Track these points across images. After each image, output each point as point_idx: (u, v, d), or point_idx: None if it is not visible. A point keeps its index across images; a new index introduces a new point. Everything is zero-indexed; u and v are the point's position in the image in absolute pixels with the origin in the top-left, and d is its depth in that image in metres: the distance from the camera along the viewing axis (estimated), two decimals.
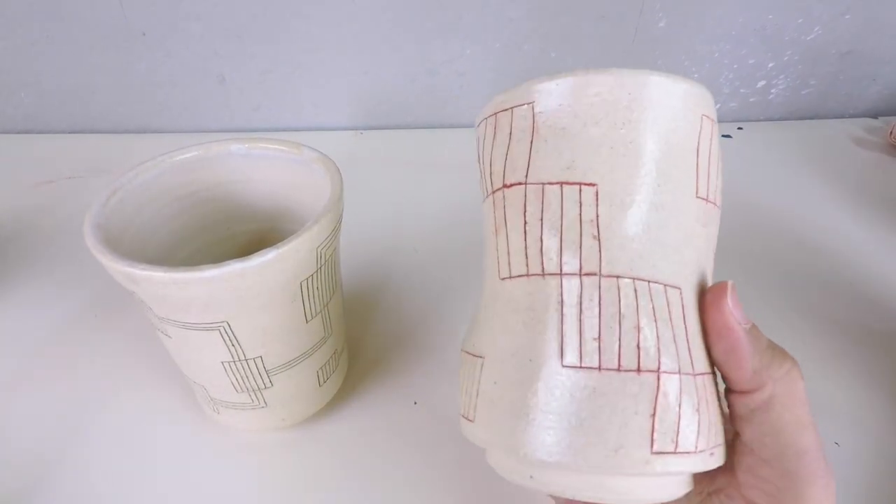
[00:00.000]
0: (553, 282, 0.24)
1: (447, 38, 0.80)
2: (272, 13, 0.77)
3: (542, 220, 0.24)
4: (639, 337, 0.23)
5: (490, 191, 0.28)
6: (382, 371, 0.47)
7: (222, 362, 0.34)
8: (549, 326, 0.23)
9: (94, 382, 0.46)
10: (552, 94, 0.25)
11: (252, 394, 0.37)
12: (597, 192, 0.23)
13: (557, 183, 0.24)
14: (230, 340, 0.33)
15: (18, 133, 0.87)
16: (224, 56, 0.81)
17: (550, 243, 0.24)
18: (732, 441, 0.27)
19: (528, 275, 0.25)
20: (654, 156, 0.24)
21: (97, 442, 0.42)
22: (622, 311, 0.23)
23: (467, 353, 0.28)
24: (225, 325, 0.32)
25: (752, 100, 0.88)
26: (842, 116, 0.92)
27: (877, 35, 0.84)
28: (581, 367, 0.22)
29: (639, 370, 0.22)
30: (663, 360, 0.23)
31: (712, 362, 0.25)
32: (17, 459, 0.41)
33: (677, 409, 0.22)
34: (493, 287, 0.27)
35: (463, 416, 0.27)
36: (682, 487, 0.25)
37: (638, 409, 0.22)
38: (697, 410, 0.23)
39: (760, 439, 0.25)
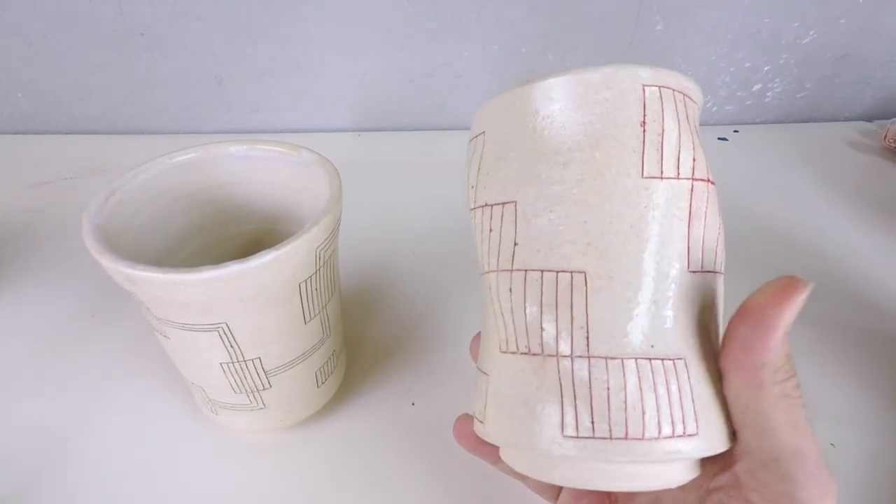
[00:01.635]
0: (550, 362, 0.24)
1: (445, 41, 0.80)
2: (271, 14, 0.77)
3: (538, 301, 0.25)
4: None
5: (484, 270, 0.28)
6: (380, 372, 0.47)
7: (221, 363, 0.34)
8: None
9: (91, 383, 0.46)
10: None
11: (250, 395, 0.37)
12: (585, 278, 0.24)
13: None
14: (229, 341, 0.33)
15: (15, 133, 0.87)
16: (222, 57, 0.81)
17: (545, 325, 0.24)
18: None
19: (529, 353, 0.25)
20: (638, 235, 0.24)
21: (94, 443, 0.42)
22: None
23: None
24: (224, 326, 0.32)
25: (748, 103, 0.89)
26: (837, 120, 0.93)
27: (871, 39, 0.84)
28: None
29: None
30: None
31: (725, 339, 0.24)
32: (14, 460, 0.41)
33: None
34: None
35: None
36: (688, 472, 0.25)
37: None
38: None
39: (759, 441, 0.24)
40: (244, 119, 0.86)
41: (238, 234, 0.43)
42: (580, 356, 0.23)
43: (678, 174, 0.23)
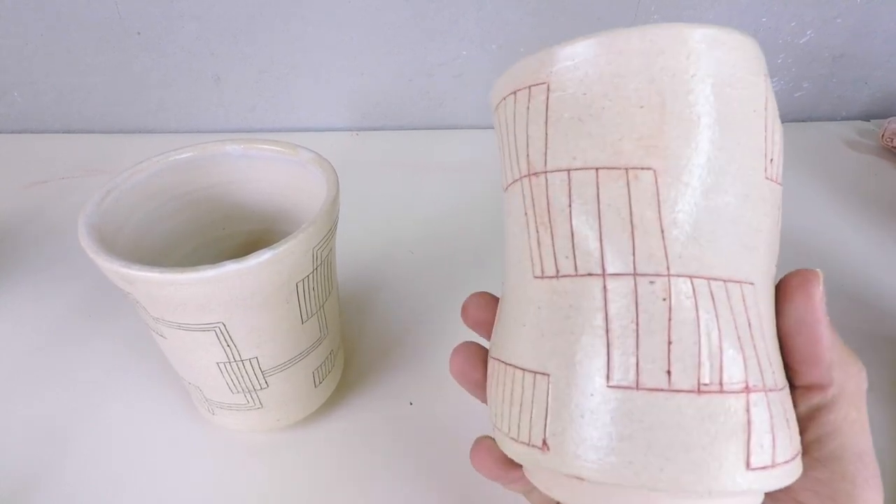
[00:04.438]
0: (596, 285, 0.22)
1: (444, 40, 0.80)
2: (268, 13, 0.77)
3: (598, 210, 0.22)
4: (721, 354, 0.21)
5: (516, 177, 0.25)
6: (378, 372, 0.47)
7: (218, 363, 0.34)
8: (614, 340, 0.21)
9: (88, 383, 0.46)
10: (577, 63, 0.22)
11: (248, 395, 0.37)
12: (655, 176, 0.21)
13: (607, 168, 0.22)
14: (226, 341, 0.33)
15: (12, 133, 0.87)
16: (220, 56, 0.80)
17: (591, 235, 0.22)
18: None
19: (576, 274, 0.22)
20: (720, 128, 0.21)
21: (92, 443, 0.42)
22: (700, 319, 0.21)
23: (513, 366, 0.25)
24: (220, 325, 0.32)
25: None
26: (834, 119, 0.93)
27: (868, 39, 0.84)
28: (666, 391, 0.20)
29: (722, 390, 0.20)
30: (750, 377, 0.21)
31: (784, 358, 0.23)
32: (13, 460, 0.41)
33: (767, 425, 0.21)
34: (527, 287, 0.24)
35: (518, 440, 0.23)
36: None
37: (726, 429, 0.20)
38: (786, 421, 0.21)
39: (820, 439, 0.24)
40: (241, 118, 0.86)
41: (235, 234, 0.43)
42: (651, 274, 0.21)
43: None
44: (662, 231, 0.21)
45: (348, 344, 0.50)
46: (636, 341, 0.21)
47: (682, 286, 0.21)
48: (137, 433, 0.42)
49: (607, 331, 0.21)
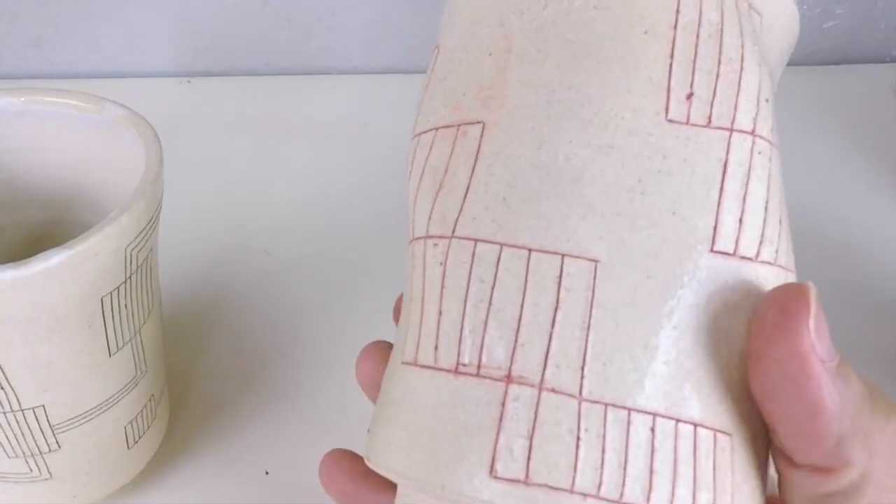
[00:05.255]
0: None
1: None
2: None
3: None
4: (485, 331, 0.24)
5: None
6: (219, 426, 0.48)
7: None
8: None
9: None
10: None
11: (30, 459, 0.37)
12: (482, 130, 0.25)
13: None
14: None
15: None
16: None
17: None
18: None
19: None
20: (572, 64, 0.24)
21: None
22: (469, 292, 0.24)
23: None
24: None
25: None
26: (881, 60, 0.93)
27: None
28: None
29: (479, 373, 0.24)
30: (516, 366, 0.23)
31: (759, 414, 0.24)
32: None
33: (527, 428, 0.23)
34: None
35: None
36: None
37: (472, 422, 0.23)
38: (595, 443, 0.22)
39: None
40: (20, 57, 0.84)
41: (11, 226, 0.43)
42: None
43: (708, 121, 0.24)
44: (467, 188, 0.24)
45: (176, 386, 0.50)
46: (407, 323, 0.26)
47: (461, 249, 0.24)
48: None
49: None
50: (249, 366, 0.52)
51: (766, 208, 0.24)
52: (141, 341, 0.38)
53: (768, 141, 0.24)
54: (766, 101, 0.25)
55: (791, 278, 0.25)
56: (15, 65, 0.85)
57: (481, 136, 0.24)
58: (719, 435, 0.23)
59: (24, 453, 0.36)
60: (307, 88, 0.85)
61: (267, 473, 0.45)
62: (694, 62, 0.24)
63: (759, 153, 0.24)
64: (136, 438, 0.41)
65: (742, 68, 0.24)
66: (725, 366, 0.23)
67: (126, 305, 0.35)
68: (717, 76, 0.24)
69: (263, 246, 0.62)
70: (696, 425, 0.22)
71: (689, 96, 0.24)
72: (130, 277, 0.35)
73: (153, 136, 0.37)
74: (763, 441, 0.24)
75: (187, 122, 0.77)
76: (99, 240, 0.31)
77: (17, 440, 0.36)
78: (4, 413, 0.34)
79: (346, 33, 0.86)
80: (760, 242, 0.24)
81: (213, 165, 0.71)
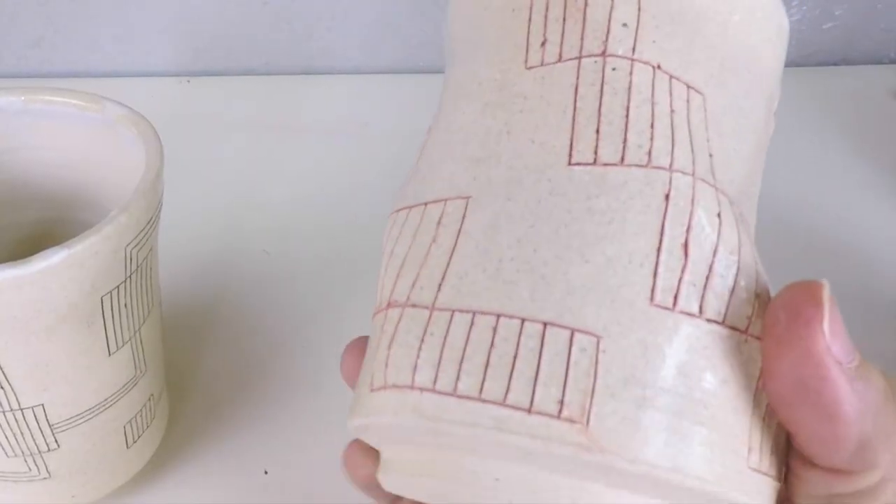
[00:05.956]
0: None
1: None
2: None
3: None
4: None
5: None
6: (218, 426, 0.48)
7: None
8: None
9: None
10: None
11: (29, 459, 0.37)
12: None
13: None
14: None
15: None
16: None
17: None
18: None
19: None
20: None
21: None
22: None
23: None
24: None
25: None
26: (880, 61, 0.92)
27: None
28: None
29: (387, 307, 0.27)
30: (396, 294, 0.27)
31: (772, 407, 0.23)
32: None
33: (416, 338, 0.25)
34: None
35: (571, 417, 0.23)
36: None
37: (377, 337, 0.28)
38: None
39: None
40: (19, 57, 0.85)
41: (12, 226, 0.43)
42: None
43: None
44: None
45: (175, 386, 0.50)
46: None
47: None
48: None
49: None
50: (249, 366, 0.52)
51: (626, 116, 0.25)
52: (140, 341, 0.38)
53: (627, 59, 0.25)
54: (624, 25, 0.26)
55: (683, 179, 0.24)
56: (15, 64, 0.85)
57: None
58: (578, 334, 0.23)
59: (23, 452, 0.36)
60: (307, 88, 0.85)
61: (266, 473, 0.45)
62: (546, 13, 0.27)
63: (614, 69, 0.25)
64: (136, 438, 0.41)
65: (586, 4, 0.26)
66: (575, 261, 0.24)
67: (126, 305, 0.35)
68: (564, 20, 0.26)
69: (263, 246, 0.62)
70: (523, 321, 0.23)
71: (543, 43, 0.27)
72: (130, 277, 0.35)
73: (153, 135, 0.37)
74: None
75: (187, 121, 0.77)
76: (99, 239, 0.31)
77: (16, 439, 0.36)
78: (4, 412, 0.34)
79: (345, 33, 0.86)
80: (624, 148, 0.24)
81: (213, 165, 0.71)
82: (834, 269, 0.62)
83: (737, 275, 0.23)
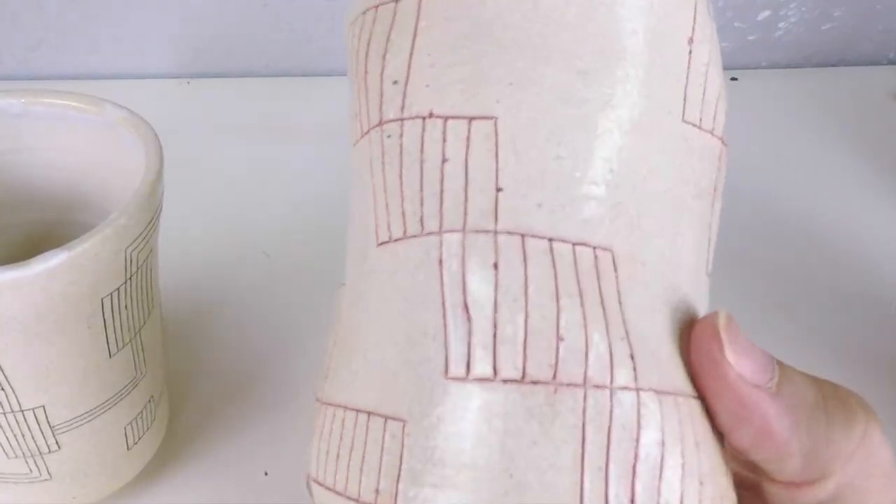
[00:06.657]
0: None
1: None
2: None
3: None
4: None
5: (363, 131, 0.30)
6: (218, 427, 0.48)
7: None
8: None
9: None
10: None
11: (30, 460, 0.37)
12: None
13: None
14: None
15: None
16: None
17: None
18: None
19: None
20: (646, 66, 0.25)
21: None
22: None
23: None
24: None
25: (751, 38, 0.88)
26: (878, 62, 0.93)
27: None
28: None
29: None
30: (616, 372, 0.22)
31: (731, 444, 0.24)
32: None
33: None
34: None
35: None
36: None
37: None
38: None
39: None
40: (19, 60, 0.85)
41: (12, 227, 0.43)
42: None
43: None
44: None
45: (175, 388, 0.50)
46: None
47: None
48: None
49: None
50: (249, 367, 0.52)
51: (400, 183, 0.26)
52: (141, 342, 0.38)
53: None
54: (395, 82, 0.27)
55: (453, 237, 0.24)
56: (15, 66, 0.85)
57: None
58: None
59: (23, 454, 0.36)
60: (307, 90, 0.85)
61: (266, 474, 0.45)
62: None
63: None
64: (136, 439, 0.41)
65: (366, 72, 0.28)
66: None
67: (126, 306, 0.35)
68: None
69: (263, 247, 0.62)
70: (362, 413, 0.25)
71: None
72: (130, 278, 0.35)
73: (153, 137, 0.37)
74: None
75: (187, 123, 0.77)
76: (99, 241, 0.31)
77: (16, 441, 0.36)
78: (4, 413, 0.34)
79: (342, 35, 0.86)
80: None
81: (213, 167, 0.71)
82: (834, 269, 0.62)
83: (525, 321, 0.22)
